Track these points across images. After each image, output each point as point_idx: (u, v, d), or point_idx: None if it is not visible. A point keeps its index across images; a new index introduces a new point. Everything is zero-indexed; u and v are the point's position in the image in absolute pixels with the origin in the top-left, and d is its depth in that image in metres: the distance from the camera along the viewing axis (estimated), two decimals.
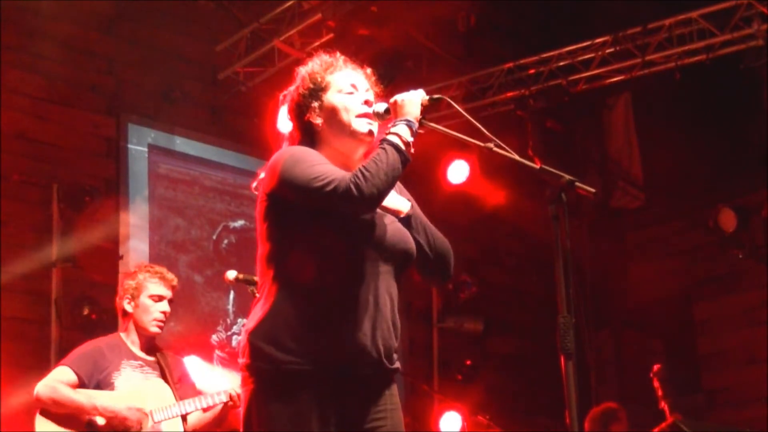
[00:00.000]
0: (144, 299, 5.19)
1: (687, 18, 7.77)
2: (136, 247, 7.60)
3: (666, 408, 6.63)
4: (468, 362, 9.09)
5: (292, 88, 3.43)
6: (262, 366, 3.12)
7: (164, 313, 5.22)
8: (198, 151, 8.22)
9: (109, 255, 7.41)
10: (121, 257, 7.47)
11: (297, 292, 3.14)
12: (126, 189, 7.68)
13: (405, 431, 3.27)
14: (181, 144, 8.13)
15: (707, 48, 7.75)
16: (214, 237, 8.20)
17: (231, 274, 4.87)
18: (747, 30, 7.53)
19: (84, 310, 7.07)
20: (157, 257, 7.51)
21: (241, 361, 3.19)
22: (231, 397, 5.09)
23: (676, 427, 6.50)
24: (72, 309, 7.06)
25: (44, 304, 7.07)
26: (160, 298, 5.22)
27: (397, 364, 3.27)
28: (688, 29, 7.82)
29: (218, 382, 5.30)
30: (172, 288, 5.28)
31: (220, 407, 5.15)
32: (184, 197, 8.09)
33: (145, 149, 7.89)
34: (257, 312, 3.20)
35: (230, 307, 8.13)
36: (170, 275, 5.32)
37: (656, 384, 6.70)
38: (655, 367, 6.76)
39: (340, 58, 3.43)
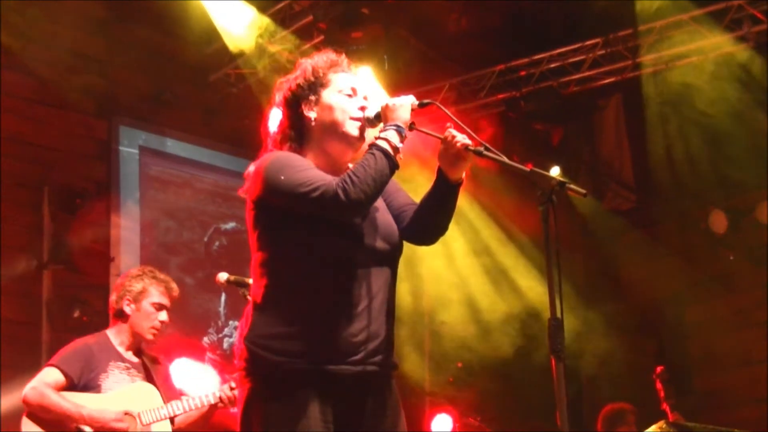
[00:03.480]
0: (146, 305, 5.17)
1: (678, 20, 7.78)
2: (128, 249, 7.59)
3: (668, 409, 6.63)
4: (459, 364, 9.08)
5: (291, 76, 3.39)
6: (259, 370, 3.11)
7: (163, 322, 5.22)
8: (189, 153, 8.21)
9: (101, 257, 7.41)
10: (113, 259, 7.47)
11: (290, 295, 3.13)
12: (117, 191, 7.67)
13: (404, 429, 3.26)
14: (173, 146, 8.12)
15: (698, 50, 7.77)
16: (206, 239, 8.19)
17: (222, 276, 4.86)
18: (738, 32, 7.55)
19: (75, 312, 7.06)
20: (148, 259, 7.50)
21: (237, 363, 3.19)
22: (221, 399, 5.08)
23: (664, 429, 6.50)
24: (63, 311, 7.05)
25: (35, 307, 7.06)
26: (161, 307, 5.21)
27: (395, 361, 3.26)
28: (678, 31, 7.83)
29: (207, 383, 5.29)
30: (172, 299, 5.29)
31: (206, 408, 5.14)
32: (176, 199, 8.08)
33: (137, 151, 7.88)
34: (252, 316, 3.19)
35: (221, 309, 8.12)
36: (174, 285, 5.32)
37: (659, 386, 6.70)
38: (658, 369, 6.76)
39: (344, 59, 3.41)
